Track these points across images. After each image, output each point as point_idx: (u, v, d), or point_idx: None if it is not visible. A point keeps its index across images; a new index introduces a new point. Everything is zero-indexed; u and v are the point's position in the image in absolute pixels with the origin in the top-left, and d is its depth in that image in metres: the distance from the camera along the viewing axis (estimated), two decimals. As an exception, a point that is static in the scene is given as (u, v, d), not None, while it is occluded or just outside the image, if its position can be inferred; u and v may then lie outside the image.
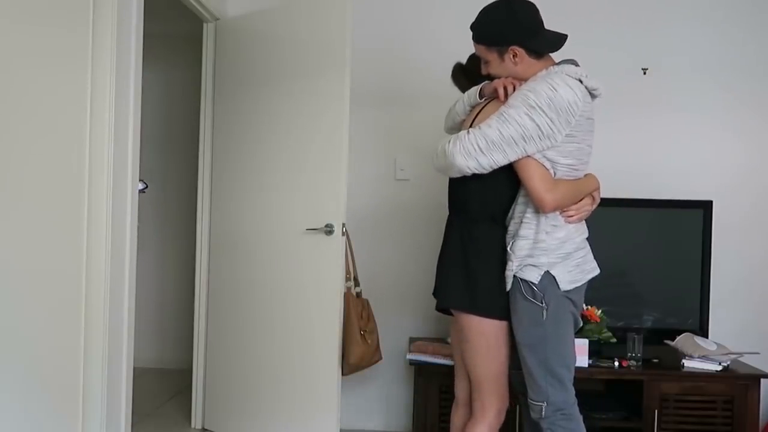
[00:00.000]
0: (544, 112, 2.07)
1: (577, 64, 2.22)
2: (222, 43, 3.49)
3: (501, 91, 2.20)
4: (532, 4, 2.24)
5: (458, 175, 2.21)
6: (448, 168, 2.20)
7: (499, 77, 2.26)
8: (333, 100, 3.07)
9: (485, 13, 2.26)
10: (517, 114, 2.08)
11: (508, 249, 2.21)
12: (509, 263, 2.20)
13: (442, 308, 2.40)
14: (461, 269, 2.25)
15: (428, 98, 3.51)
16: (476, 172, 2.15)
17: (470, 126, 2.26)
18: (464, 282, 2.24)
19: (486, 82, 2.31)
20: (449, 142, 2.17)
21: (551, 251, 2.17)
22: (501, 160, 2.12)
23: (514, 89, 2.19)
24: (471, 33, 2.29)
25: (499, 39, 2.22)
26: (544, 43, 2.23)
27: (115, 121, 2.39)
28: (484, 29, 2.25)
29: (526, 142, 2.09)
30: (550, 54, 2.27)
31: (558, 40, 2.24)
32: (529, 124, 2.08)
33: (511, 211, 2.24)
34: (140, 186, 3.36)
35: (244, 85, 3.36)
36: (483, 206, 2.26)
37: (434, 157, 2.27)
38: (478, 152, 2.10)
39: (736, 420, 3.09)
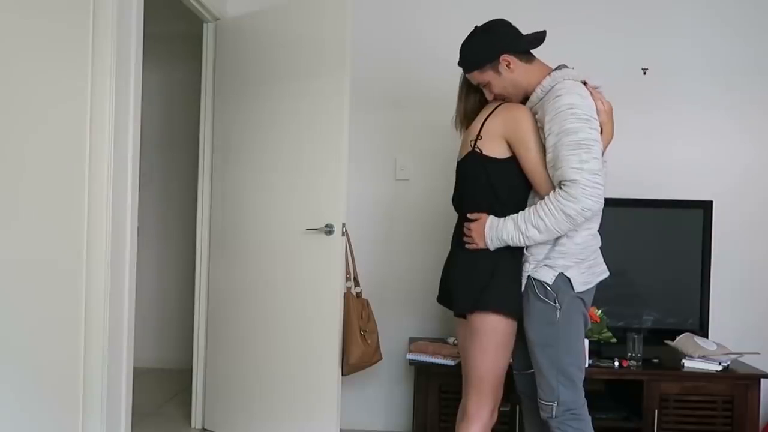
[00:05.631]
0: (593, 118, 2.12)
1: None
2: (222, 43, 3.49)
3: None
4: (503, 19, 2.31)
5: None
6: (588, 219, 2.13)
7: (505, 94, 2.28)
8: (333, 100, 3.07)
9: (464, 45, 2.32)
10: (587, 133, 2.09)
11: (525, 251, 2.22)
12: (525, 264, 2.22)
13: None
14: (475, 270, 2.24)
15: (428, 98, 3.51)
16: None
17: (479, 131, 2.25)
18: (478, 282, 2.23)
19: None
20: (558, 203, 2.08)
21: (569, 255, 2.18)
22: None
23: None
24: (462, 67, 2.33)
25: (487, 55, 2.26)
26: (527, 42, 2.27)
27: (115, 121, 2.39)
28: (471, 57, 2.30)
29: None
30: (542, 60, 2.29)
31: (537, 38, 2.28)
32: (595, 134, 2.12)
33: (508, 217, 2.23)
34: None
35: (245, 85, 3.37)
36: (501, 209, 2.24)
37: (554, 223, 2.10)
38: (599, 186, 2.08)
39: (736, 420, 3.09)
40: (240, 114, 3.39)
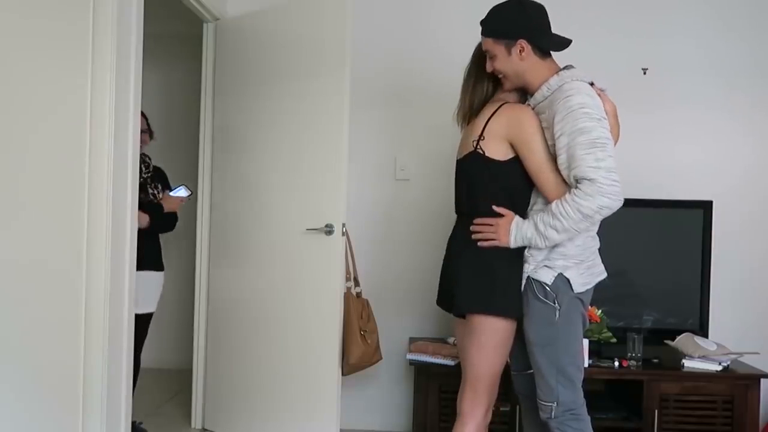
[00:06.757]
0: (604, 118, 2.12)
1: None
2: (222, 43, 3.49)
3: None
4: (542, 6, 2.27)
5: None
6: (606, 215, 2.12)
7: (504, 74, 2.26)
8: (333, 99, 3.07)
9: (496, 8, 2.29)
10: (600, 132, 2.08)
11: (526, 252, 2.22)
12: (525, 265, 2.21)
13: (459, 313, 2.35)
14: (476, 271, 2.23)
15: (428, 98, 3.51)
16: None
17: (482, 131, 2.23)
18: (479, 283, 2.22)
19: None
20: (574, 204, 2.06)
21: (569, 256, 2.18)
22: None
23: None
24: (479, 29, 2.30)
25: (508, 32, 2.22)
26: (550, 42, 2.25)
27: (115, 121, 2.38)
28: (494, 23, 2.27)
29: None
30: (553, 59, 2.28)
31: (563, 42, 2.26)
32: (608, 134, 2.11)
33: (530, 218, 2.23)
34: (186, 193, 3.35)
35: (244, 85, 3.37)
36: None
37: (571, 224, 2.09)
38: (617, 183, 2.07)
39: (736, 420, 3.09)
40: (240, 114, 3.39)
